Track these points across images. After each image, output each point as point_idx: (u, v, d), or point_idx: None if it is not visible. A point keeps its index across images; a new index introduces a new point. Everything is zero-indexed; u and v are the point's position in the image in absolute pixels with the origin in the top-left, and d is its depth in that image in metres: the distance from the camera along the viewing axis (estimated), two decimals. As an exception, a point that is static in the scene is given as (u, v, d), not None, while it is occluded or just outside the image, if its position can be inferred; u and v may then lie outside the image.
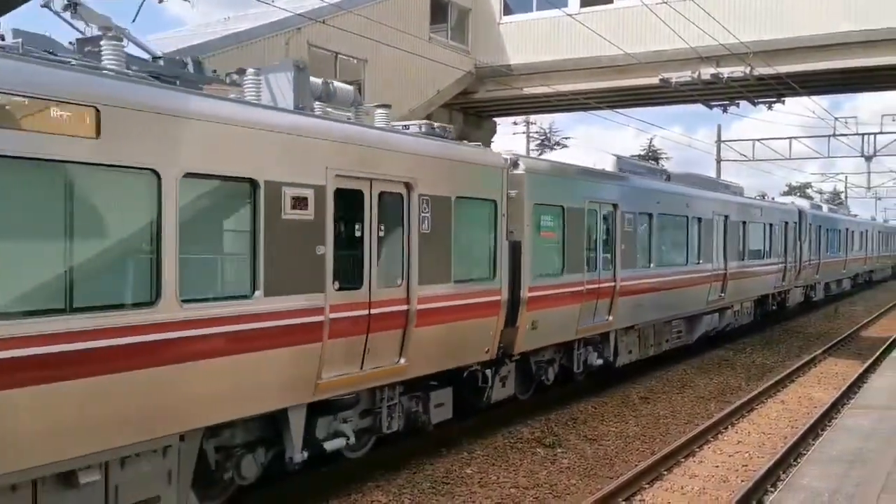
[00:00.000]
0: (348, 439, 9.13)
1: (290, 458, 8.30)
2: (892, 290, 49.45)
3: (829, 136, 35.60)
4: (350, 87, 10.25)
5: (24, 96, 5.71)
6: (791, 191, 78.86)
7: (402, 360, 9.53)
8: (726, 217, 20.85)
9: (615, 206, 15.00)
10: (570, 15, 22.49)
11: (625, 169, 16.77)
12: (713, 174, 38.88)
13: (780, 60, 20.97)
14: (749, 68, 19.59)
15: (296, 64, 9.13)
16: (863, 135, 36.27)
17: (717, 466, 11.23)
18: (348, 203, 8.64)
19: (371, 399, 9.64)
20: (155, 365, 6.64)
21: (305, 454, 8.40)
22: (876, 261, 49.61)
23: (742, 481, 10.36)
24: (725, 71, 19.87)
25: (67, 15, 8.29)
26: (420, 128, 10.74)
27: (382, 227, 9.16)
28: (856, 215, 47.77)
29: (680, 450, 11.66)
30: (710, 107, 23.27)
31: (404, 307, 9.47)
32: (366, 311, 8.87)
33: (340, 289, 8.49)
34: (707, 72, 20.15)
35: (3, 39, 6.76)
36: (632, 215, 15.64)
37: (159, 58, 8.09)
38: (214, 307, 7.18)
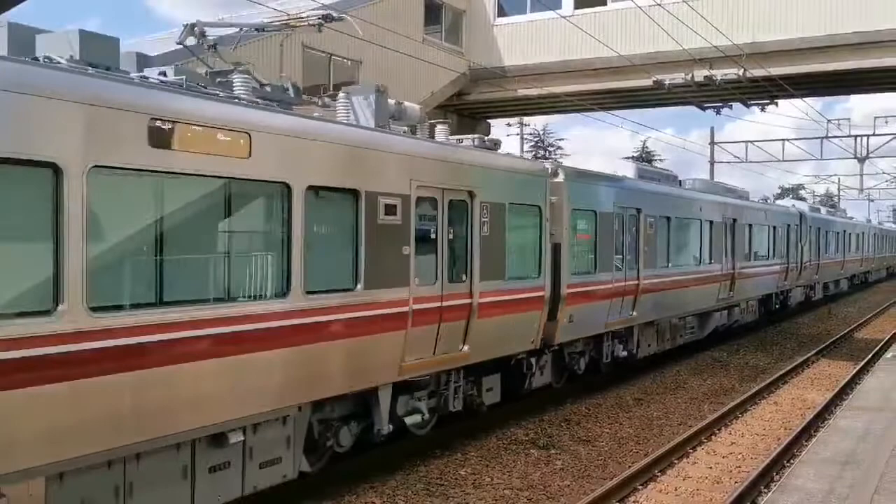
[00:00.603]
0: (423, 415, 10.59)
1: (378, 430, 9.75)
2: (884, 291, 49.62)
3: (822, 138, 35.69)
4: (417, 107, 11.42)
5: (199, 125, 7.10)
6: (784, 193, 79.10)
7: (466, 348, 10.84)
8: (734, 220, 22.11)
9: (638, 210, 16.34)
10: (563, 17, 22.52)
11: (643, 176, 18.19)
12: (706, 176, 39.00)
13: (773, 62, 21.04)
14: (742, 70, 19.64)
15: (377, 87, 10.33)
16: (855, 137, 36.38)
17: (711, 468, 11.24)
18: (425, 209, 10.09)
19: (437, 381, 10.97)
20: (286, 346, 8.01)
21: (391, 427, 9.89)
22: (872, 262, 51.07)
23: (735, 483, 10.37)
24: (718, 73, 19.93)
25: (199, 50, 9.92)
26: (473, 141, 12.13)
27: (451, 231, 10.54)
28: (852, 217, 48.77)
29: (673, 451, 11.67)
30: (704, 108, 23.34)
31: (468, 301, 10.76)
32: (438, 304, 10.21)
33: (420, 284, 9.83)
34: (700, 74, 20.21)
35: (165, 76, 7.92)
36: (653, 219, 17.02)
37: (266, 84, 9.10)
38: (329, 298, 8.56)
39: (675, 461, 11.46)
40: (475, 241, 10.91)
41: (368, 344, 9.12)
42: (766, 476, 10.45)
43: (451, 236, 10.51)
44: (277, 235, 8.01)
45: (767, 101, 22.61)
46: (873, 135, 35.95)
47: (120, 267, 6.65)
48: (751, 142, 39.01)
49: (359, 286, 8.92)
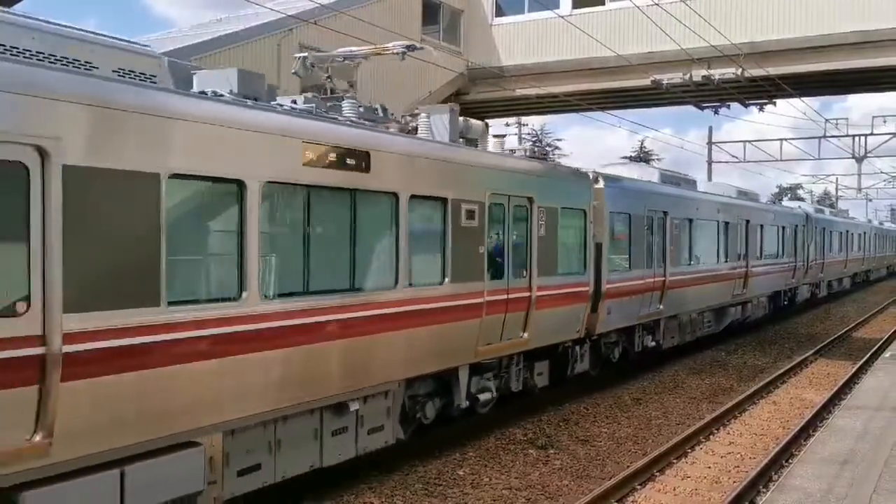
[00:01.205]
0: (492, 393, 12.16)
1: (457, 405, 11.34)
2: (882, 292, 49.68)
3: (820, 137, 35.70)
4: (480, 123, 12.84)
5: (338, 147, 8.73)
6: (782, 192, 79.15)
7: (525, 335, 12.31)
8: (747, 221, 23.66)
9: (665, 213, 17.83)
10: (561, 17, 22.50)
11: (666, 180, 19.68)
12: (704, 175, 39.04)
13: (771, 62, 21.03)
14: (740, 70, 19.63)
15: (451, 108, 12.02)
16: (853, 136, 36.39)
17: (710, 467, 11.24)
18: (495, 214, 11.55)
19: (499, 365, 12.38)
20: (390, 330, 9.49)
21: (467, 402, 11.50)
22: (873, 261, 52.55)
23: (734, 482, 10.37)
24: (716, 73, 19.92)
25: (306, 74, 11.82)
26: (525, 152, 13.74)
27: (515, 233, 12.02)
28: (853, 218, 50.04)
29: (672, 451, 11.67)
30: (702, 108, 23.31)
31: (527, 294, 12.24)
32: (505, 296, 11.69)
33: (491, 279, 11.32)
34: (698, 73, 20.19)
35: (295, 103, 9.36)
36: (678, 221, 18.60)
37: (361, 106, 10.38)
38: (425, 290, 10.11)
39: (674, 461, 11.46)
40: (534, 242, 12.48)
41: (452, 330, 10.68)
42: (765, 476, 10.45)
43: (514, 237, 12.03)
44: (389, 237, 9.59)
45: (765, 101, 22.60)
46: (871, 134, 35.98)
47: (281, 263, 8.22)
48: (749, 141, 39.04)
49: (446, 280, 10.53)
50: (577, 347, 14.63)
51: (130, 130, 6.58)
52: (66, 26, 7.26)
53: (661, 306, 17.55)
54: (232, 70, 8.72)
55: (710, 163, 41.57)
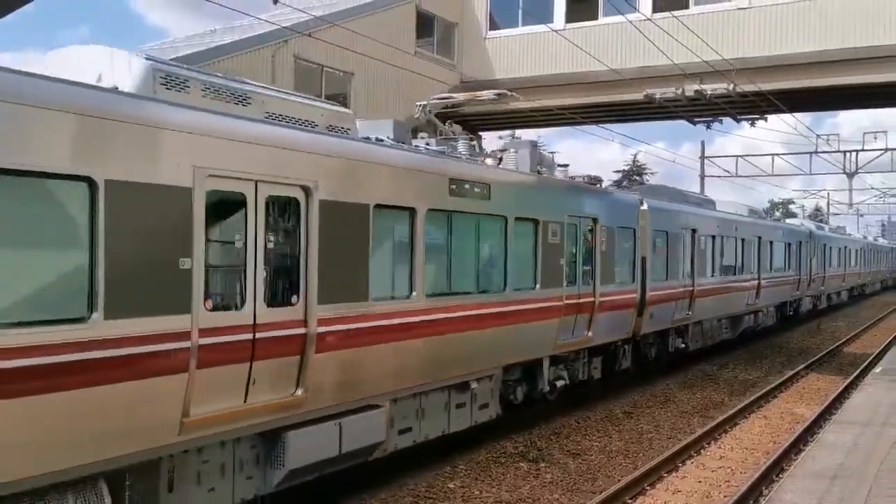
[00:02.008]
0: (566, 381, 14.27)
1: (541, 389, 13.50)
2: (874, 306, 49.86)
3: (812, 153, 35.91)
4: (549, 156, 15.07)
5: (471, 181, 11.21)
6: (773, 207, 79.46)
7: (590, 333, 14.59)
8: (759, 238, 26.12)
9: (694, 230, 20.19)
10: (555, 31, 22.61)
11: (689, 200, 21.92)
12: (697, 189, 39.20)
13: (763, 78, 21.16)
14: (732, 85, 19.75)
15: (531, 143, 14.25)
16: (844, 152, 36.60)
17: (700, 482, 11.24)
18: (570, 232, 13.87)
19: (568, 358, 14.41)
20: (499, 325, 11.77)
21: (548, 387, 13.65)
22: (868, 275, 55.67)
23: (725, 497, 10.37)
24: (708, 88, 20.04)
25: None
26: (582, 178, 15.91)
27: (584, 248, 14.30)
28: (850, 234, 52.79)
29: (663, 465, 11.67)
30: (694, 123, 23.44)
31: (592, 299, 14.53)
32: (577, 301, 14.01)
33: (567, 286, 13.62)
34: (690, 88, 20.30)
35: (428, 145, 12.08)
36: (704, 237, 20.96)
37: (471, 145, 12.85)
38: (523, 294, 12.35)
39: (665, 475, 11.46)
40: (598, 256, 14.74)
41: (540, 327, 12.95)
42: (756, 490, 10.45)
43: (584, 252, 14.33)
44: (501, 251, 11.94)
45: (757, 116, 22.73)
46: (862, 150, 36.18)
47: (435, 270, 10.65)
48: (741, 156, 39.26)
49: (537, 286, 12.81)
50: (625, 346, 16.84)
51: (357, 175, 9.15)
52: (298, 95, 9.68)
53: (690, 312, 19.97)
54: (388, 121, 11.42)
55: (702, 177, 41.74)
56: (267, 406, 7.92)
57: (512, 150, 13.65)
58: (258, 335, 7.74)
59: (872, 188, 63.50)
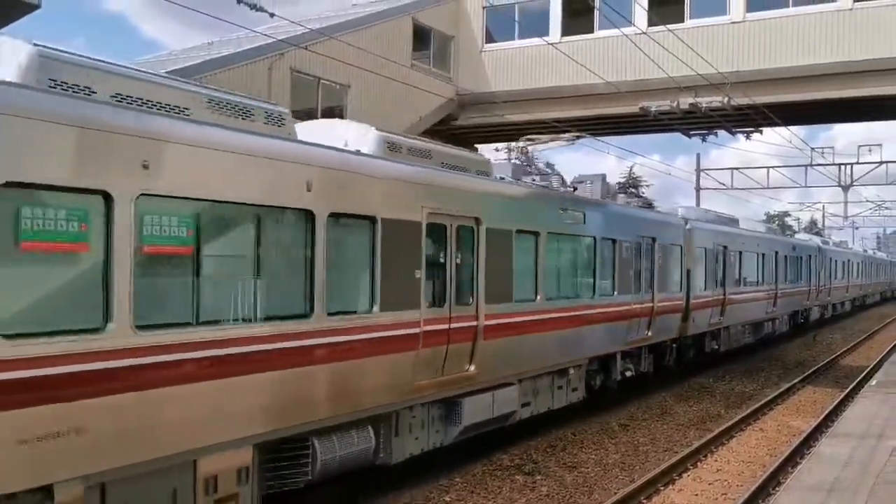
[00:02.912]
0: (633, 372, 17.15)
1: (614, 378, 16.34)
2: (869, 319, 49.91)
3: (807, 165, 36.00)
4: (614, 184, 18.33)
5: (569, 209, 14.11)
6: (769, 219, 79.59)
7: (650, 333, 17.60)
8: (776, 252, 29.06)
9: (725, 247, 23.12)
10: (551, 44, 22.71)
11: (721, 220, 25.01)
12: (693, 202, 39.30)
13: (757, 91, 21.26)
14: (726, 99, 19.84)
15: (602, 176, 16.98)
16: (840, 165, 36.69)
17: (697, 495, 11.21)
18: (636, 250, 16.90)
19: (632, 353, 17.21)
20: (590, 324, 14.71)
21: (619, 377, 16.48)
22: (869, 287, 59.56)
23: (721, 510, 10.33)
24: (703, 101, 20.12)
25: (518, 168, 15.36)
26: (638, 201, 19.23)
27: (645, 261, 17.29)
28: (851, 248, 55.49)
29: (659, 477, 11.64)
30: (689, 136, 23.50)
31: (651, 304, 17.47)
32: (640, 305, 17.00)
33: (633, 293, 16.72)
34: (686, 101, 20.38)
35: (533, 181, 14.62)
36: (733, 252, 23.86)
37: (562, 180, 15.89)
38: (606, 299, 15.38)
39: (661, 488, 11.43)
40: (656, 268, 17.78)
41: (616, 326, 15.90)
42: (752, 503, 10.42)
43: (644, 265, 17.31)
44: (591, 264, 15.05)
45: (752, 129, 22.82)
46: (857, 163, 36.27)
47: (551, 278, 13.57)
48: (736, 169, 39.33)
49: (615, 293, 15.82)
50: (672, 346, 19.70)
51: (504, 208, 12.32)
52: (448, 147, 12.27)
53: (722, 318, 22.83)
54: (507, 164, 14.37)
55: (698, 189, 41.84)
56: (452, 379, 10.92)
57: (587, 182, 16.67)
58: (452, 325, 10.76)
59: (868, 201, 63.71)
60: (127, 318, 6.61)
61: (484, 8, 25.36)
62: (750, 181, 38.91)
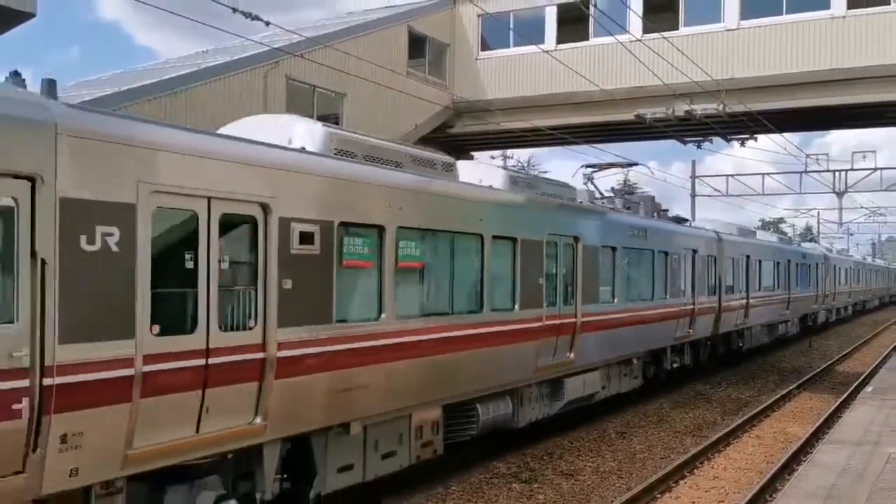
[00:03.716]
0: (679, 363, 20.17)
1: (665, 368, 19.30)
2: (864, 324, 49.99)
3: (801, 172, 36.11)
4: (659, 203, 21.27)
5: (636, 228, 17.20)
6: (765, 226, 79.74)
7: (691, 331, 20.36)
8: (789, 261, 32.07)
9: (748, 256, 25.99)
10: (546, 51, 22.78)
11: (744, 233, 28.06)
12: (688, 208, 39.42)
13: (752, 98, 21.34)
14: (721, 105, 19.90)
15: (652, 197, 20.37)
16: (834, 171, 36.80)
17: (694, 502, 11.19)
18: (684, 260, 20.00)
19: (678, 348, 20.22)
20: (649, 323, 17.40)
21: (669, 367, 19.44)
22: (869, 292, 63.92)
23: (718, 517, 10.31)
24: (698, 108, 20.19)
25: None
26: (672, 218, 22.05)
27: (689, 270, 20.20)
28: (851, 255, 60.88)
29: (656, 485, 11.63)
30: (685, 142, 23.58)
31: (692, 306, 20.22)
32: (683, 307, 19.73)
33: (679, 297, 19.45)
34: (681, 108, 20.45)
35: (608, 200, 18.09)
36: (754, 261, 26.66)
37: (623, 202, 18.98)
38: (658, 302, 17.96)
39: (658, 495, 11.41)
40: (697, 275, 20.61)
41: (667, 324, 18.73)
42: (749, 511, 10.40)
43: (689, 273, 20.16)
44: (653, 272, 17.93)
45: (747, 136, 22.90)
46: (851, 169, 36.39)
47: (624, 285, 16.25)
48: (731, 175, 39.43)
49: (667, 297, 18.55)
50: (706, 343, 22.60)
51: (592, 228, 15.02)
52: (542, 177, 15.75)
53: (746, 319, 25.52)
54: (584, 191, 16.83)
55: (693, 196, 41.90)
56: (559, 363, 13.58)
57: (637, 203, 19.84)
58: (560, 322, 13.49)
59: (862, 207, 63.87)
60: (392, 311, 9.62)
61: (479, 16, 25.43)
62: (745, 188, 39.02)
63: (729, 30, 22.36)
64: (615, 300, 15.81)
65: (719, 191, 39.62)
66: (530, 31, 24.22)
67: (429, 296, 10.76)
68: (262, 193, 7.80)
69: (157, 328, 6.82)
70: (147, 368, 6.70)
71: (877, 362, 26.83)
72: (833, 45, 21.02)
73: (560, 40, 24.43)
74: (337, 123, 20.71)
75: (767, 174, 37.99)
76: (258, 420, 7.74)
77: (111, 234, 6.48)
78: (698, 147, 23.47)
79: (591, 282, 14.67)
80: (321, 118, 20.29)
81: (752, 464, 13.46)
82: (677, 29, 22.66)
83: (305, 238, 8.29)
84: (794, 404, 19.63)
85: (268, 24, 12.34)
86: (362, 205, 9.19)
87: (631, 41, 20.81)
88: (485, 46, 25.79)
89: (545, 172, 68.44)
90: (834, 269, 43.94)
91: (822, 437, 14.20)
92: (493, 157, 59.49)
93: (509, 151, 54.88)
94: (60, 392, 6.11)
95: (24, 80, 6.64)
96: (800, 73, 21.25)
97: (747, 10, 22.27)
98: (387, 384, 9.52)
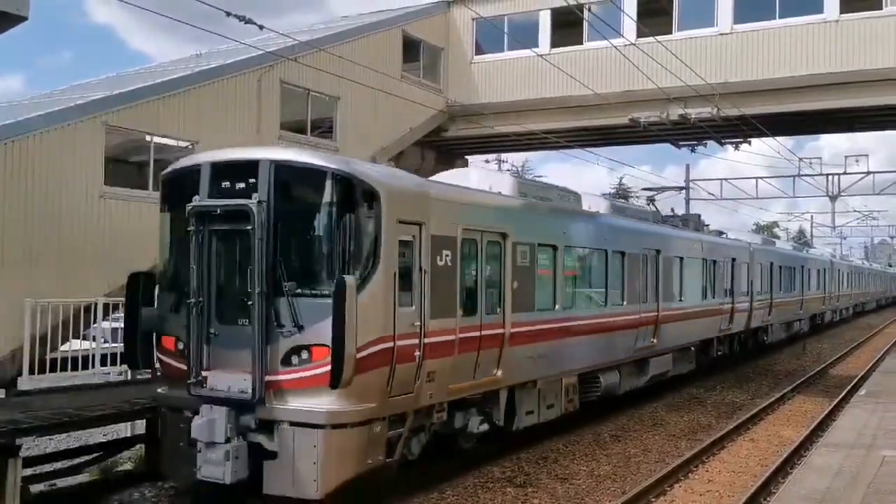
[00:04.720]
0: (723, 351, 24.51)
1: (711, 356, 23.49)
2: (858, 327, 50.12)
3: (795, 176, 36.19)
4: (702, 219, 26.27)
5: (695, 242, 22.26)
6: (759, 230, 79.96)
7: (731, 325, 24.62)
8: (802, 266, 37.07)
9: (772, 263, 30.37)
10: (540, 55, 22.80)
11: (765, 242, 33.49)
12: (682, 212, 39.51)
13: (746, 102, 21.39)
14: (715, 109, 19.94)
15: (698, 215, 25.49)
16: (827, 175, 36.88)
17: (688, 506, 11.17)
18: (725, 267, 24.05)
19: (720, 339, 24.32)
20: (701, 318, 21.94)
21: (715, 355, 23.92)
22: (868, 294, 68.50)
23: (713, 521, 10.30)
24: (693, 112, 20.22)
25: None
26: (724, 235, 27.37)
27: (728, 275, 24.26)
28: (851, 260, 64.79)
29: (651, 489, 11.61)
30: (679, 146, 23.63)
31: (731, 305, 24.35)
32: (723, 306, 23.77)
33: (719, 297, 23.26)
34: (675, 112, 20.49)
35: (675, 219, 23.47)
36: (777, 267, 31.06)
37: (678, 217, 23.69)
38: (707, 301, 22.32)
39: (653, 499, 11.40)
40: (734, 280, 24.74)
41: (715, 320, 22.94)
42: (743, 514, 10.40)
43: (729, 277, 24.32)
44: (701, 279, 21.75)
45: (741, 140, 22.95)
46: (844, 173, 36.47)
47: (689, 287, 20.69)
48: (725, 179, 39.49)
49: (714, 298, 22.69)
50: (739, 336, 26.69)
51: (671, 243, 20.07)
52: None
53: (769, 317, 29.92)
54: (648, 211, 20.81)
55: (687, 200, 41.93)
56: (646, 346, 17.70)
57: (687, 220, 24.22)
58: (649, 315, 17.76)
59: (855, 210, 64.07)
60: (560, 304, 14.20)
61: (474, 20, 25.46)
62: (739, 191, 39.09)
63: (723, 34, 22.42)
64: (682, 299, 20.11)
65: (713, 194, 39.69)
66: (525, 35, 24.25)
67: (574, 294, 15.27)
68: (502, 226, 12.41)
69: (461, 311, 11.23)
70: (459, 336, 11.16)
71: (870, 365, 26.88)
72: (826, 49, 21.09)
73: (554, 44, 24.46)
74: (331, 129, 20.70)
75: (761, 178, 38.08)
76: (499, 373, 12.20)
77: (448, 255, 10.93)
78: (692, 151, 23.53)
79: (668, 285, 19.12)
80: (315, 122, 20.30)
81: (747, 467, 13.46)
82: (671, 33, 22.71)
83: (523, 255, 12.90)
84: (788, 407, 19.66)
85: (261, 27, 12.32)
86: (546, 230, 13.99)
87: (625, 45, 20.85)
88: (479, 50, 25.81)
89: (540, 177, 68.56)
90: (838, 273, 48.97)
91: (816, 441, 14.20)
92: (487, 161, 59.47)
93: (503, 156, 54.94)
94: (429, 347, 10.43)
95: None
96: (793, 77, 21.31)
97: (741, 15, 22.33)
98: (553, 355, 13.86)
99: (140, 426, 13.53)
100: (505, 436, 13.24)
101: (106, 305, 14.02)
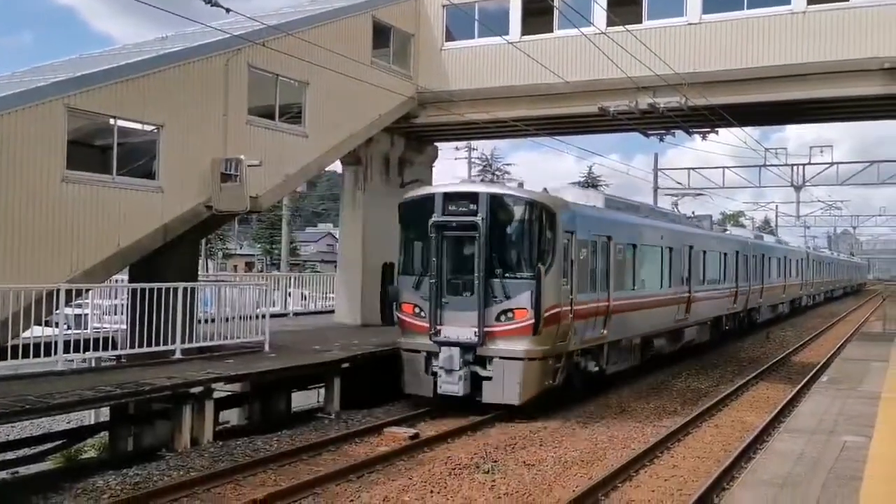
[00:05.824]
0: (730, 326, 31.28)
1: (722, 330, 29.92)
2: (821, 315, 51.00)
3: (761, 166, 36.65)
4: (710, 216, 32.74)
5: (728, 241, 31.95)
6: (725, 219, 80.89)
7: (736, 305, 31.11)
8: (784, 257, 43.45)
9: (764, 254, 36.60)
10: (511, 43, 22.74)
11: (757, 237, 39.61)
12: (650, 201, 39.87)
13: (714, 92, 21.52)
14: (684, 99, 20.05)
15: (710, 216, 31.22)
16: (792, 165, 37.41)
17: (654, 491, 11.31)
18: (741, 258, 32.17)
19: (729, 316, 30.61)
20: (721, 298, 29.08)
21: (725, 328, 30.48)
22: (841, 283, 79.34)
23: (677, 506, 10.43)
24: (661, 101, 20.31)
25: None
26: (722, 228, 37.67)
27: (741, 263, 31.57)
28: (822, 251, 74.73)
29: (617, 474, 11.73)
30: (647, 135, 23.74)
31: (735, 289, 30.62)
32: (733, 289, 30.69)
33: (732, 282, 30.55)
34: (644, 101, 20.56)
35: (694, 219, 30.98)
36: (766, 258, 36.97)
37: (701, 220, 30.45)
38: (725, 285, 29.56)
39: (619, 484, 11.51)
40: (738, 268, 30.53)
41: (726, 300, 29.61)
42: (707, 499, 10.55)
43: (742, 265, 31.22)
44: (724, 266, 29.39)
45: (708, 130, 23.11)
46: (809, 164, 37.01)
47: (714, 275, 28.73)
48: (693, 168, 39.91)
49: (726, 282, 29.48)
50: (740, 315, 32.65)
51: (712, 243, 28.71)
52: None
53: (761, 300, 36.18)
54: (682, 215, 27.95)
55: (655, 189, 42.33)
56: (682, 318, 23.60)
57: (704, 219, 29.60)
58: (684, 295, 23.77)
59: (819, 200, 65.02)
60: (637, 286, 20.05)
61: (444, 6, 25.30)
62: (706, 181, 39.50)
63: (691, 24, 22.51)
64: (705, 284, 25.68)
65: (681, 183, 40.07)
66: (495, 22, 24.16)
67: (644, 279, 20.61)
68: (609, 232, 18.31)
69: (590, 289, 17.21)
70: (588, 305, 16.97)
71: (832, 353, 27.37)
72: (793, 40, 21.25)
73: (525, 32, 24.39)
74: (300, 114, 20.48)
75: (728, 168, 38.53)
76: (605, 332, 17.79)
77: (584, 252, 16.95)
78: (661, 140, 23.65)
79: (697, 272, 24.86)
80: (283, 108, 20.07)
81: (711, 452, 13.64)
82: (641, 22, 22.76)
83: (619, 251, 18.68)
84: (751, 394, 19.95)
85: (228, 10, 12.14)
86: (630, 234, 19.89)
87: (595, 34, 20.85)
88: (449, 37, 25.66)
89: (509, 165, 68.54)
90: (812, 263, 56.48)
91: (778, 426, 14.43)
92: (457, 149, 59.33)
93: (473, 143, 54.88)
94: (577, 312, 16.25)
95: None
96: (760, 67, 21.45)
97: (709, 5, 22.41)
98: (631, 321, 19.42)
99: (104, 413, 13.37)
100: (602, 377, 18.35)
101: (69, 291, 13.78)
